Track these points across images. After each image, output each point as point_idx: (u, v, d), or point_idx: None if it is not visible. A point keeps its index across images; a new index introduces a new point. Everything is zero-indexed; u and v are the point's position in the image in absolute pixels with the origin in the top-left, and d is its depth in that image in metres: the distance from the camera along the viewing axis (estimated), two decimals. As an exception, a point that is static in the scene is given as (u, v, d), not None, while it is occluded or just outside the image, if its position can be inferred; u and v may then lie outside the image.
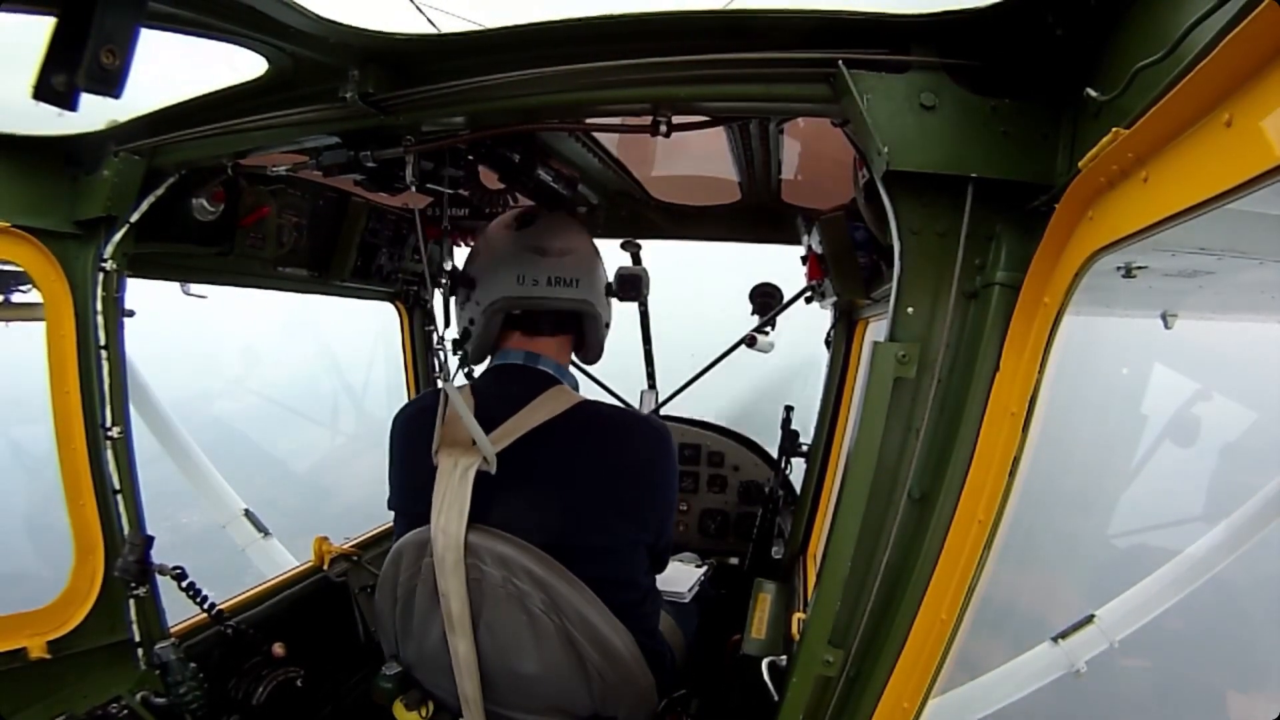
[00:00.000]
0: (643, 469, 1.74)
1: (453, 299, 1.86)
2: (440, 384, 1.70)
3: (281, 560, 3.75)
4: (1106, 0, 1.01)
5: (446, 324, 1.83)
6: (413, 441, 1.75)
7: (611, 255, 3.30)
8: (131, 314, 1.90)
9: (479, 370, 1.94)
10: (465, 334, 1.88)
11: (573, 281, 1.81)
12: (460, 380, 1.87)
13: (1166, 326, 2.72)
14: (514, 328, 1.86)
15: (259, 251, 2.29)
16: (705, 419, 3.68)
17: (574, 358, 2.01)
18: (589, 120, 1.65)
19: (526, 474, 1.65)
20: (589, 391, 2.80)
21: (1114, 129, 0.89)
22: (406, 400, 2.74)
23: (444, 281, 1.82)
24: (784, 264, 3.04)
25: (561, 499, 1.67)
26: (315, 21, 1.27)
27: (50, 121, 1.69)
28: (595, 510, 1.69)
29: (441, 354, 1.76)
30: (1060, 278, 1.09)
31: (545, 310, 1.83)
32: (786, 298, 3.11)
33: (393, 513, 1.92)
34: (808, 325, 3.39)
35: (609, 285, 1.99)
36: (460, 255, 2.21)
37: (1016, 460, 1.16)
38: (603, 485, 1.69)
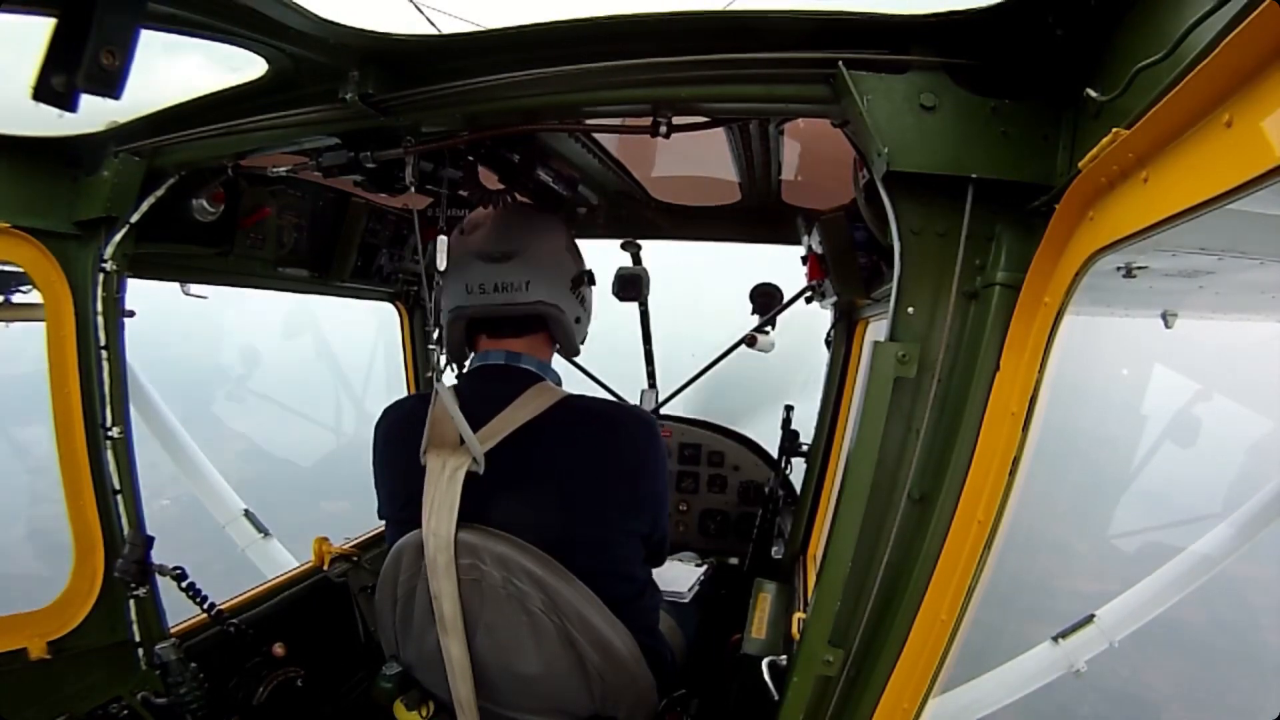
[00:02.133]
0: (631, 458, 1.74)
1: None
2: (435, 384, 1.70)
3: (282, 560, 3.75)
4: (1106, 0, 1.01)
5: (437, 324, 1.83)
6: (400, 447, 1.74)
7: (611, 255, 3.31)
8: (132, 314, 1.90)
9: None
10: (441, 337, 1.87)
11: (522, 285, 1.76)
12: (451, 379, 1.86)
13: (1167, 326, 2.73)
14: (480, 331, 1.86)
15: (259, 252, 2.29)
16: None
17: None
18: (589, 121, 1.65)
19: (519, 472, 1.65)
20: (587, 390, 2.80)
21: (1114, 129, 0.89)
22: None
23: (437, 283, 1.82)
24: (784, 264, 3.05)
25: (555, 494, 1.68)
26: (315, 22, 1.27)
27: (50, 122, 1.69)
28: (588, 502, 1.69)
29: (434, 354, 1.75)
30: (1060, 278, 1.09)
31: (498, 316, 1.81)
32: (786, 298, 3.11)
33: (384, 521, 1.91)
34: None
35: (584, 275, 1.90)
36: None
37: (1017, 460, 1.16)
38: (594, 477, 1.69)
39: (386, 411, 1.93)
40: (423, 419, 1.68)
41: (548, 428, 1.69)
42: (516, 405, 1.69)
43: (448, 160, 1.76)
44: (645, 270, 3.33)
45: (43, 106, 0.98)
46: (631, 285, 3.30)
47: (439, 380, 1.68)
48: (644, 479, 1.75)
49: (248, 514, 3.95)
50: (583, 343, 1.98)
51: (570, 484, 1.69)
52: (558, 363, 1.95)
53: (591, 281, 1.96)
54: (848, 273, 2.42)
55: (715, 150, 2.11)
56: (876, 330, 2.81)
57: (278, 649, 2.15)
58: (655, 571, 1.99)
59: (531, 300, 1.77)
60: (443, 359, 1.79)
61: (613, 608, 1.67)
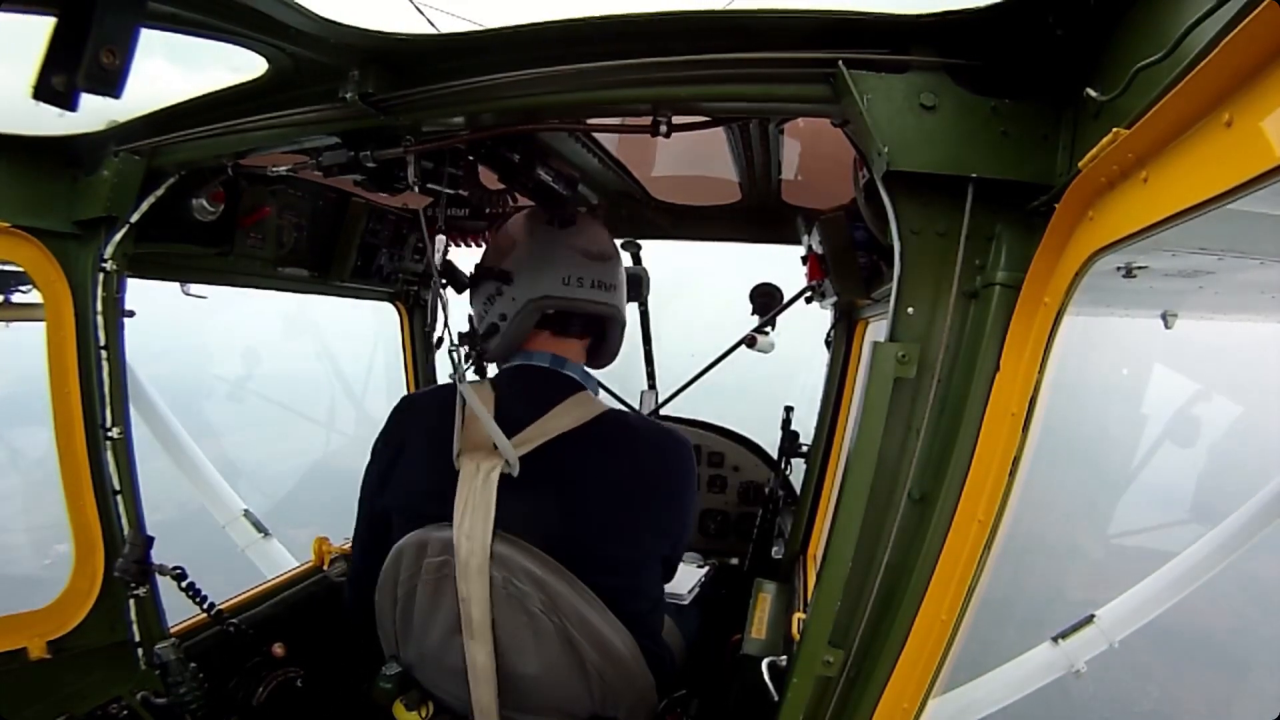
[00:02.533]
0: (669, 483, 1.73)
1: (476, 294, 1.87)
2: (459, 385, 1.66)
3: (281, 561, 3.75)
4: (1106, 0, 1.01)
5: (442, 323, 1.81)
6: (427, 440, 1.72)
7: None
8: (131, 314, 1.90)
9: (491, 369, 1.92)
10: (492, 329, 1.83)
11: (611, 287, 1.86)
12: (471, 377, 1.85)
13: (1167, 326, 2.73)
14: (544, 326, 1.85)
15: (259, 252, 2.29)
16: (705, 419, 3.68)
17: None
18: (589, 120, 1.65)
19: (551, 480, 1.64)
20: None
21: (1114, 129, 0.89)
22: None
23: (439, 281, 1.82)
24: (784, 264, 3.04)
25: (586, 507, 1.66)
26: (315, 22, 1.27)
27: (50, 122, 1.69)
28: (620, 521, 1.68)
29: (453, 354, 1.71)
30: (1060, 278, 1.09)
31: (580, 312, 1.85)
32: (786, 298, 3.11)
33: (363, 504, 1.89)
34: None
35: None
36: (454, 255, 2.20)
37: (1017, 461, 1.17)
38: (629, 496, 1.68)
39: (413, 401, 1.91)
40: (452, 415, 1.67)
41: (586, 440, 1.67)
42: (556, 413, 1.68)
43: (448, 160, 1.76)
44: (645, 270, 3.33)
45: (43, 106, 0.99)
46: (631, 285, 3.28)
47: (462, 381, 1.65)
48: (679, 504, 1.76)
49: (247, 514, 3.95)
50: None
51: (604, 499, 1.67)
52: None
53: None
54: (848, 273, 2.42)
55: (715, 150, 2.11)
56: (876, 330, 2.81)
57: (277, 649, 2.14)
58: None
59: (614, 303, 1.87)
60: (461, 359, 1.76)
61: (623, 621, 1.66)
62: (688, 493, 1.78)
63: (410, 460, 1.82)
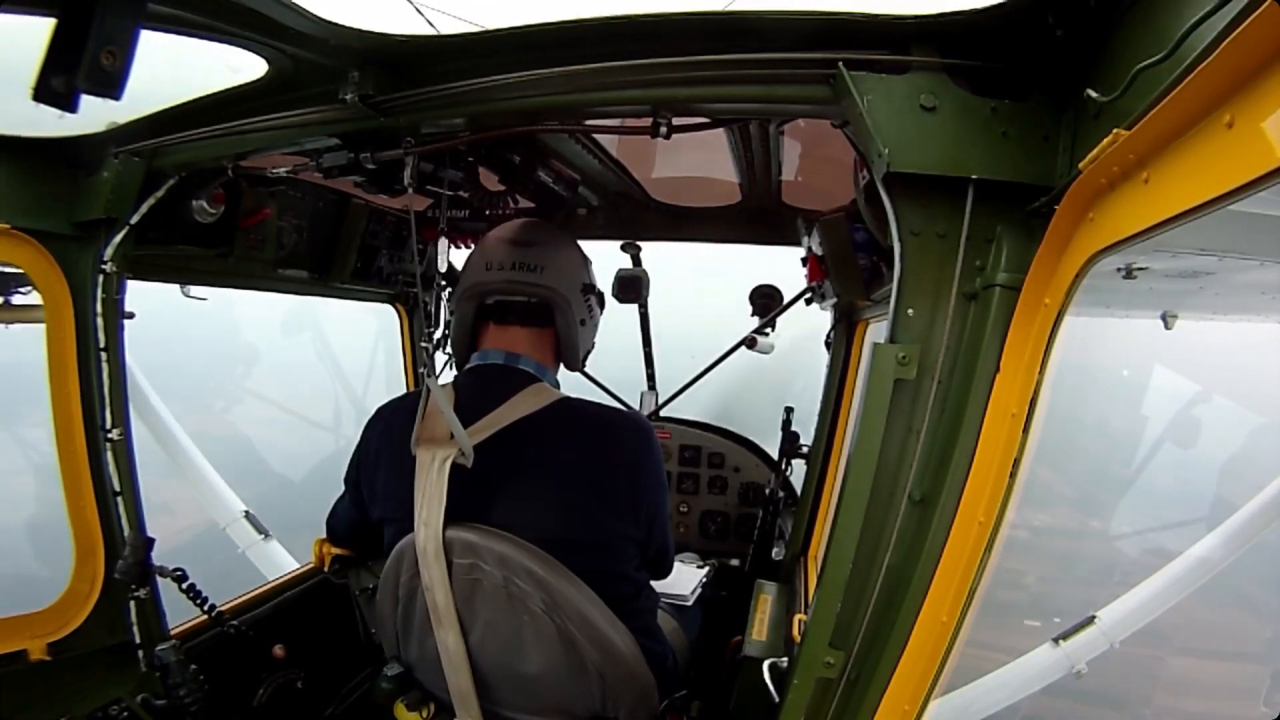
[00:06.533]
0: (629, 463, 1.74)
1: (445, 300, 1.89)
2: (426, 379, 1.71)
3: (282, 562, 3.76)
4: (1107, 1, 1.01)
5: (434, 324, 1.85)
6: (396, 445, 1.74)
7: (611, 256, 3.31)
8: (131, 316, 1.90)
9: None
10: (449, 326, 1.91)
11: (536, 268, 1.82)
12: (446, 377, 1.88)
13: (1167, 327, 2.73)
14: (487, 318, 1.88)
15: (259, 253, 2.29)
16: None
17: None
18: (589, 122, 1.65)
19: (513, 469, 1.66)
20: (587, 392, 2.80)
21: (1115, 130, 0.88)
22: None
23: (439, 283, 1.84)
24: (785, 266, 3.04)
25: (552, 493, 1.68)
26: (315, 23, 1.27)
27: (50, 123, 1.69)
28: (585, 504, 1.69)
29: (427, 351, 1.77)
30: (1061, 279, 1.09)
31: (514, 299, 1.85)
32: (786, 299, 3.11)
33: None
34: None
35: (595, 288, 1.96)
36: (457, 256, 2.22)
37: (1017, 462, 1.16)
38: (589, 478, 1.70)
39: (380, 411, 1.93)
40: (415, 416, 1.69)
41: (543, 426, 1.69)
42: (511, 403, 1.70)
43: (448, 161, 1.76)
44: (645, 272, 3.33)
45: (43, 107, 0.99)
46: (631, 287, 3.30)
47: (430, 376, 1.69)
48: (639, 484, 1.75)
49: (248, 515, 3.95)
50: (585, 357, 2.00)
51: (566, 484, 1.69)
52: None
53: (601, 303, 2.02)
54: (848, 274, 2.42)
55: (715, 151, 2.11)
56: (876, 332, 2.81)
57: (278, 650, 2.15)
58: None
59: (544, 283, 1.82)
60: (439, 356, 1.80)
61: (612, 607, 1.67)
62: (645, 470, 1.77)
63: (387, 468, 1.83)
